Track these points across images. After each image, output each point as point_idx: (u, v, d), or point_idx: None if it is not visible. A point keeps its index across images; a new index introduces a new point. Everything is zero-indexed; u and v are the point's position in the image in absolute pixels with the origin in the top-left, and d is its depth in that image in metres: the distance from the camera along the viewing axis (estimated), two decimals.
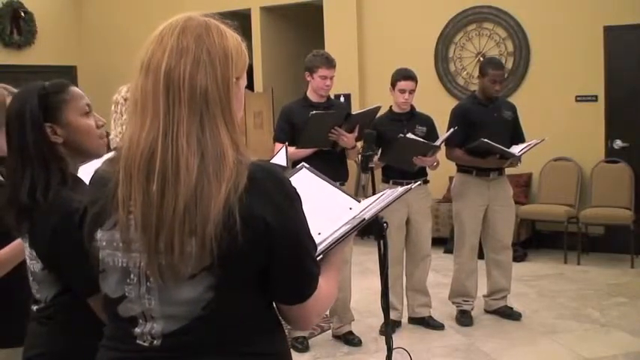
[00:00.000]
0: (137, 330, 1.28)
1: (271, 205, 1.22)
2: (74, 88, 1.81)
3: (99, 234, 1.30)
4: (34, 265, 1.75)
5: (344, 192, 1.70)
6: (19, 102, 1.75)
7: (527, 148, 4.74)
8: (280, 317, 1.36)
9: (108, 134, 1.85)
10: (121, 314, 1.30)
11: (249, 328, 1.28)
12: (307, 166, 1.76)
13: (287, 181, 1.28)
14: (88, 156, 1.80)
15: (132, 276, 1.27)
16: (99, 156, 1.79)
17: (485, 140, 4.53)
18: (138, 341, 1.28)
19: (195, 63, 1.23)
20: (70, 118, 1.75)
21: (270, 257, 1.25)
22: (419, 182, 4.46)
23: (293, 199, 1.27)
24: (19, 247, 1.93)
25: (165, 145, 1.20)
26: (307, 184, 1.67)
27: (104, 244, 1.30)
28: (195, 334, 1.24)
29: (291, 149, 4.30)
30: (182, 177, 1.18)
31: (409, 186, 1.86)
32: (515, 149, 4.72)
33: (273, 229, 1.22)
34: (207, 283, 1.22)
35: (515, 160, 4.71)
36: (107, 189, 1.27)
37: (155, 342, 1.26)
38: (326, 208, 1.60)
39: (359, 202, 1.67)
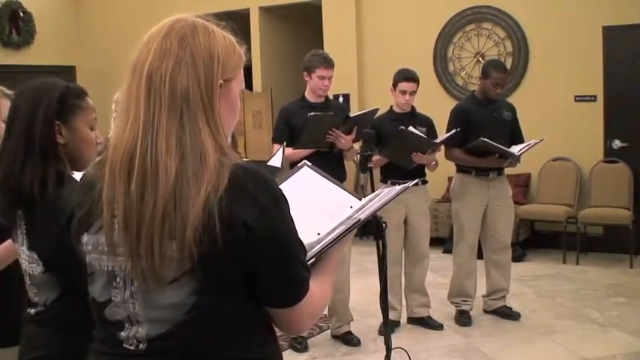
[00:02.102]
0: (123, 334, 1.27)
1: (253, 206, 1.19)
2: (90, 100, 1.84)
3: (85, 238, 1.29)
4: (34, 268, 1.74)
5: (345, 190, 1.65)
6: (37, 92, 1.76)
7: (527, 147, 4.74)
8: (271, 322, 1.33)
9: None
10: (108, 318, 1.29)
11: (236, 332, 1.26)
12: (309, 163, 1.70)
13: (271, 182, 1.25)
14: (79, 165, 1.80)
15: (118, 280, 1.26)
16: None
17: (485, 139, 4.53)
18: (124, 345, 1.27)
19: (177, 64, 1.22)
20: (79, 126, 1.78)
21: (256, 260, 1.22)
22: (416, 181, 4.46)
23: (277, 200, 1.23)
24: (9, 247, 1.91)
25: (145, 146, 1.19)
26: (308, 181, 1.64)
27: (90, 247, 1.29)
28: (180, 339, 1.23)
29: (289, 150, 4.31)
30: (161, 178, 1.17)
31: (405, 185, 1.80)
32: (515, 149, 4.72)
33: (254, 231, 1.19)
34: (189, 287, 1.20)
35: (515, 159, 4.71)
36: (93, 192, 1.26)
37: (141, 346, 1.25)
38: (327, 206, 1.56)
39: (360, 200, 1.62)
